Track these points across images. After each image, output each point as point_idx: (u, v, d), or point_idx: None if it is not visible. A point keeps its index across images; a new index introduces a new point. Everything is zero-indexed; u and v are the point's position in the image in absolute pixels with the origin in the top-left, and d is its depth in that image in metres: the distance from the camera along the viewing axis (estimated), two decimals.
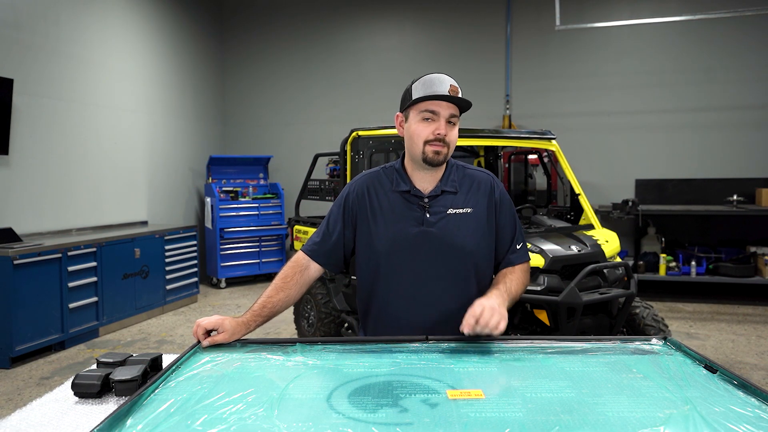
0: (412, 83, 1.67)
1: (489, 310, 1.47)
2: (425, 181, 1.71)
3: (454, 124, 1.65)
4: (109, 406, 1.25)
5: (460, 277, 1.69)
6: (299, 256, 1.77)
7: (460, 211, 1.69)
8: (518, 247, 1.78)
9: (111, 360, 1.42)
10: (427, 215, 1.68)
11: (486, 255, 1.74)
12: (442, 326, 1.66)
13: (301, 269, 1.74)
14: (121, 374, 1.30)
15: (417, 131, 1.64)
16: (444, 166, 1.72)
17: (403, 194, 1.71)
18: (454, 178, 1.73)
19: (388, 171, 1.77)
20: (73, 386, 1.29)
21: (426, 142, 1.62)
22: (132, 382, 1.29)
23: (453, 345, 1.53)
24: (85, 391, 1.28)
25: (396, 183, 1.72)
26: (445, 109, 1.62)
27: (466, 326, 1.47)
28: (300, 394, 1.21)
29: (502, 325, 1.47)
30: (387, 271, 1.70)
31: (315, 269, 1.76)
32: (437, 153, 1.62)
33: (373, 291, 1.75)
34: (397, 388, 1.23)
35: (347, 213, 1.76)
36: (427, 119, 1.62)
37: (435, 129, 1.61)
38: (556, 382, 1.26)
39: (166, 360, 1.46)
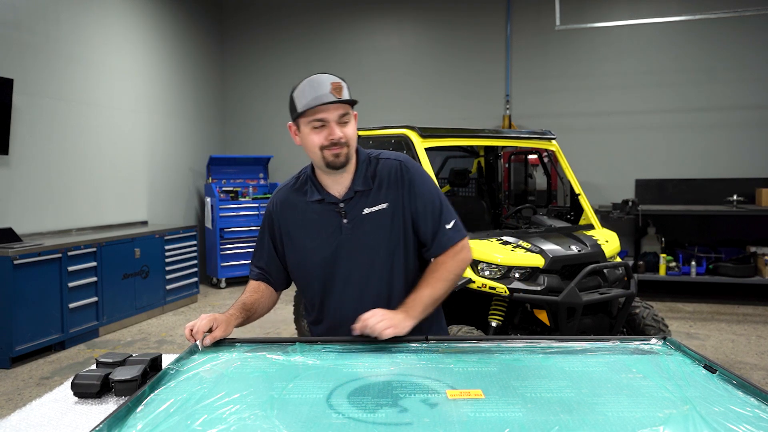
0: (293, 91, 1.60)
1: (379, 316, 1.49)
2: (337, 184, 1.66)
3: (347, 122, 1.58)
4: (109, 406, 1.25)
5: (391, 272, 1.67)
6: (253, 280, 1.80)
7: (375, 209, 1.64)
8: (447, 227, 1.68)
9: (111, 360, 1.42)
10: (344, 221, 1.64)
11: (414, 244, 1.70)
12: None
13: (263, 283, 1.79)
14: (120, 374, 1.30)
15: (311, 141, 1.58)
16: (354, 164, 1.66)
17: (319, 203, 1.67)
18: (367, 175, 1.66)
19: (302, 180, 1.73)
20: (73, 386, 1.29)
21: (323, 148, 1.57)
22: (132, 382, 1.29)
23: (453, 345, 1.53)
24: (84, 391, 1.28)
25: (310, 193, 1.68)
26: (333, 113, 1.55)
27: (356, 328, 1.51)
28: (300, 394, 1.21)
29: (387, 332, 1.47)
30: (323, 283, 1.69)
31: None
32: (337, 155, 1.57)
33: (318, 303, 1.73)
34: (397, 388, 1.23)
35: (275, 236, 1.76)
36: (318, 127, 1.57)
37: (327, 135, 1.56)
38: (555, 382, 1.26)
39: (166, 360, 1.46)
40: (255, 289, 1.76)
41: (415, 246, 1.72)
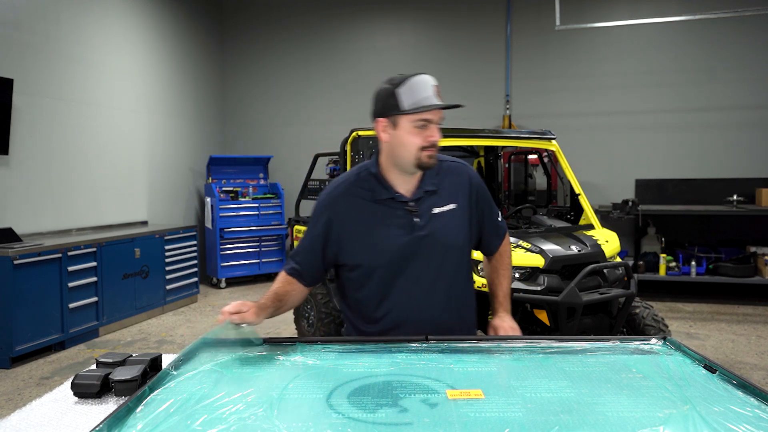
0: (395, 87, 1.58)
1: (508, 328, 1.77)
2: (408, 183, 1.68)
3: (440, 125, 1.65)
4: (109, 406, 1.25)
5: (456, 271, 1.73)
6: (285, 274, 1.75)
7: (445, 208, 1.69)
8: (499, 219, 1.87)
9: (111, 360, 1.42)
10: (415, 219, 1.65)
11: (471, 245, 1.82)
12: (454, 320, 1.73)
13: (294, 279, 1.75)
14: (120, 374, 1.30)
15: (411, 140, 1.59)
16: None
17: (386, 202, 1.66)
18: (432, 176, 1.70)
19: (363, 178, 1.70)
20: (73, 386, 1.29)
21: (422, 149, 1.60)
22: (132, 382, 1.29)
23: (453, 345, 1.53)
24: (84, 391, 1.28)
25: (377, 191, 1.67)
26: (437, 115, 1.62)
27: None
28: (300, 394, 1.21)
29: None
30: (386, 281, 1.67)
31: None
32: (430, 157, 1.61)
33: (375, 303, 1.70)
34: (397, 388, 1.23)
35: (329, 234, 1.69)
36: (420, 127, 1.59)
37: (428, 136, 1.60)
38: (555, 382, 1.26)
39: (166, 360, 1.46)
40: (288, 281, 1.73)
41: (472, 244, 1.84)
